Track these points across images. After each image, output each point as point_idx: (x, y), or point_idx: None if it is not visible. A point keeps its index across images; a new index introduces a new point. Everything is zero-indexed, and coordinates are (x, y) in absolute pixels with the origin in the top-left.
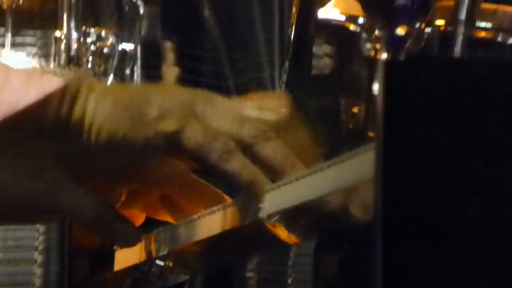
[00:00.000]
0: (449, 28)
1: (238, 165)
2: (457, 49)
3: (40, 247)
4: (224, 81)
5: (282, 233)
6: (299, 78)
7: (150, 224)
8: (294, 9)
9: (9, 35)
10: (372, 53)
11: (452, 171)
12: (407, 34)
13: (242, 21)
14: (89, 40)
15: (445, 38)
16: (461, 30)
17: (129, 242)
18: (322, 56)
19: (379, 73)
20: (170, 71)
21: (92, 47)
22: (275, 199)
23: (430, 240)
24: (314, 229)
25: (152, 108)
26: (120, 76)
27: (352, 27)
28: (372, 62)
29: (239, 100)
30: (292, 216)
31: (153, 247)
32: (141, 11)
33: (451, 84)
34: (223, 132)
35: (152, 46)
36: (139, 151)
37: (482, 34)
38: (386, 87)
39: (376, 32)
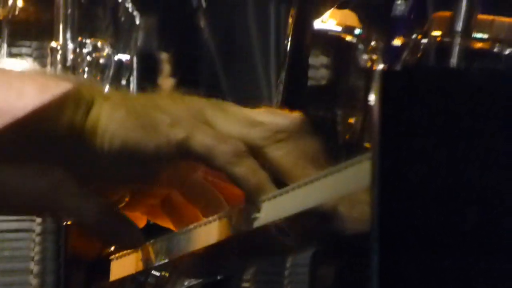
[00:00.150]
0: (446, 39)
1: (246, 169)
2: (454, 60)
3: (36, 257)
4: (220, 93)
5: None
6: (296, 89)
7: (149, 232)
8: (290, 20)
9: (5, 45)
10: (369, 64)
11: (448, 181)
12: (404, 45)
13: (239, 33)
14: (85, 50)
15: (442, 49)
16: (457, 41)
17: (131, 244)
18: (319, 67)
19: (376, 84)
20: (166, 82)
21: (88, 58)
22: (272, 209)
23: (427, 249)
24: (311, 237)
25: (164, 116)
26: (116, 87)
27: (348, 38)
28: (368, 73)
29: (250, 108)
30: (291, 224)
31: (149, 257)
32: (137, 21)
33: (448, 94)
34: (234, 135)
35: (148, 57)
36: (151, 158)
37: (479, 45)
38: (382, 98)
39: (373, 43)
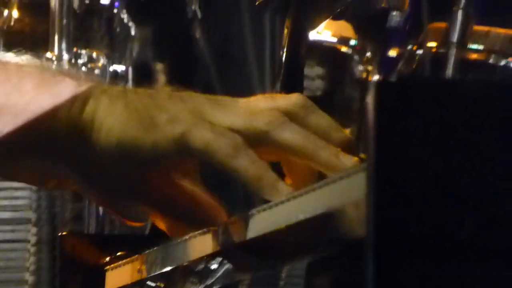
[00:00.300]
0: (441, 50)
1: (245, 161)
2: (449, 71)
3: (31, 268)
4: None
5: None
6: None
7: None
8: (285, 31)
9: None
10: (364, 75)
11: (443, 191)
12: (399, 56)
13: (234, 43)
14: (80, 61)
15: (437, 59)
16: (453, 52)
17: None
18: (314, 77)
19: (371, 95)
20: None
21: (83, 68)
22: (266, 220)
23: (423, 260)
24: (307, 248)
25: (161, 112)
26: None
27: (344, 49)
28: (364, 84)
29: (250, 99)
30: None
31: (144, 267)
32: (133, 32)
33: (443, 105)
34: (235, 128)
35: (143, 67)
36: (148, 154)
37: (474, 56)
38: (378, 109)
39: (368, 54)
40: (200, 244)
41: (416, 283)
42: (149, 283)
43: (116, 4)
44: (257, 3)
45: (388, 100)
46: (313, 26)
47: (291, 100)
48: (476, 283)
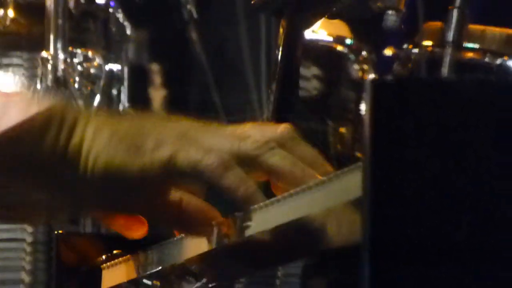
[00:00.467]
0: (437, 49)
1: (233, 179)
2: (445, 70)
3: (28, 267)
4: (212, 103)
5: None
6: (287, 99)
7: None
8: (281, 31)
9: None
10: (360, 74)
11: (439, 190)
12: (395, 55)
13: (230, 44)
14: (76, 60)
15: (433, 59)
16: (448, 51)
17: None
18: (310, 77)
19: (367, 94)
20: (157, 93)
21: (79, 68)
22: (262, 218)
23: (418, 259)
24: (304, 248)
25: (148, 138)
26: (107, 97)
27: (339, 48)
28: (359, 83)
29: (238, 125)
30: (282, 234)
31: (140, 266)
32: (128, 32)
33: (439, 104)
34: (223, 150)
35: (139, 68)
36: (136, 180)
37: (470, 55)
38: (373, 107)
39: (364, 53)
40: (196, 243)
41: (411, 282)
42: (145, 281)
43: (112, 3)
44: (252, 2)
45: (384, 99)
46: (309, 26)
47: (280, 129)
48: (472, 283)
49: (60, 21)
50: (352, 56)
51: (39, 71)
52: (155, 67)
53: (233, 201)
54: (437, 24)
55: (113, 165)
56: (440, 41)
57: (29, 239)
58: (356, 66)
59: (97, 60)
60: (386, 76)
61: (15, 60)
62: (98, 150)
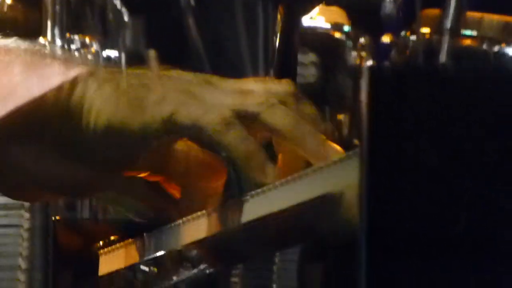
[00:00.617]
0: (435, 36)
1: (234, 137)
2: (442, 57)
3: (24, 254)
4: None
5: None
6: None
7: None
8: (278, 17)
9: None
10: (358, 61)
11: (436, 176)
12: (392, 42)
13: (227, 30)
14: (73, 47)
15: (430, 46)
16: (446, 38)
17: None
18: (307, 64)
19: (364, 80)
20: None
21: (76, 54)
22: (260, 204)
23: (415, 246)
24: (301, 233)
25: (150, 93)
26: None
27: (337, 35)
28: (357, 70)
29: (241, 80)
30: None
31: (137, 252)
32: (126, 18)
33: (436, 91)
34: (225, 106)
35: (136, 55)
36: (137, 136)
37: (468, 42)
38: (371, 94)
39: (362, 40)
40: (193, 229)
41: (409, 269)
42: (142, 267)
43: None
44: None
45: (381, 86)
46: (306, 12)
47: (282, 85)
48: (469, 275)
49: (57, 8)
50: (350, 43)
51: None
52: (152, 54)
53: (233, 159)
54: (435, 11)
55: (115, 121)
56: (438, 28)
57: (26, 225)
58: (354, 53)
59: (94, 47)
60: (383, 63)
61: None
62: (101, 104)
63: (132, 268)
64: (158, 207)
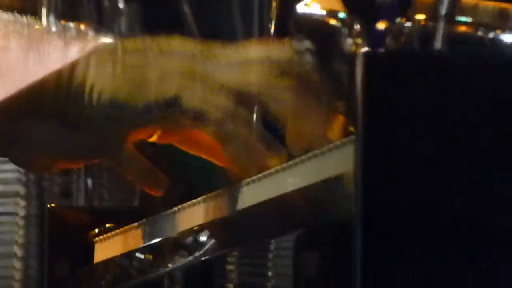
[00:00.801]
0: (430, 23)
1: (235, 128)
2: (437, 44)
3: (20, 241)
4: None
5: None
6: None
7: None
8: (274, 4)
9: None
10: (353, 48)
11: (432, 162)
12: (388, 28)
13: (222, 18)
14: (68, 34)
15: (426, 32)
16: (441, 24)
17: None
18: (303, 51)
19: (359, 67)
20: None
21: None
22: (256, 191)
23: (411, 234)
24: (296, 221)
25: (152, 72)
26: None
27: (332, 22)
28: (352, 56)
29: (243, 46)
30: (275, 207)
31: (133, 239)
32: (121, 5)
33: (431, 77)
34: (227, 85)
35: None
36: (140, 115)
37: (463, 28)
38: (366, 81)
39: (357, 27)
40: (189, 216)
41: (404, 257)
42: (137, 255)
43: None
44: None
45: (377, 73)
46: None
47: (283, 50)
48: (465, 260)
49: None
50: (345, 30)
51: None
52: None
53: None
54: None
55: (118, 100)
56: (433, 15)
57: (22, 212)
58: (349, 40)
59: (90, 34)
60: (378, 49)
61: None
62: (103, 83)
63: (128, 256)
64: (151, 187)
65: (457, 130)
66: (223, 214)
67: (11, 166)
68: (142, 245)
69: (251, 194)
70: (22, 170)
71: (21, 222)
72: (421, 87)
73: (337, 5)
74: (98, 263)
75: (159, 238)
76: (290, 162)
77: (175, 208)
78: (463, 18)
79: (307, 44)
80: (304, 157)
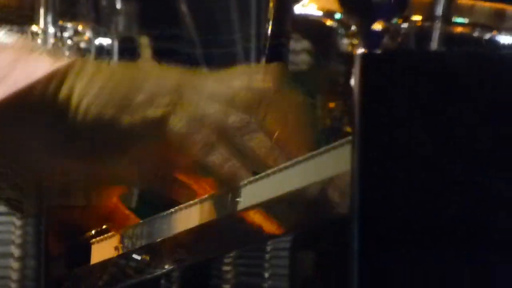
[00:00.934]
0: (426, 23)
1: (219, 158)
2: (434, 45)
3: (17, 241)
4: None
5: (264, 224)
6: None
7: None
8: (271, 4)
9: None
10: (349, 48)
11: (428, 163)
12: (384, 29)
13: (219, 17)
14: (66, 34)
15: (422, 33)
16: (438, 25)
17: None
18: (299, 51)
19: (356, 67)
20: None
21: (69, 42)
22: (253, 192)
23: (408, 235)
24: (293, 221)
25: (139, 94)
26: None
27: (329, 22)
28: (349, 57)
29: (227, 76)
30: (272, 208)
31: (130, 240)
32: (118, 6)
33: (427, 78)
34: (209, 119)
35: (128, 41)
36: (125, 134)
37: (459, 29)
38: (362, 81)
39: (353, 28)
40: (186, 217)
41: (401, 257)
42: (134, 256)
43: None
44: None
45: (373, 73)
46: (299, 0)
47: (265, 82)
48: (462, 260)
49: None
50: (341, 30)
51: None
52: (144, 40)
53: (217, 179)
54: None
55: (104, 118)
56: (430, 15)
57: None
58: (345, 40)
59: (87, 34)
60: (375, 50)
61: None
62: (89, 101)
63: (125, 257)
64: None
65: (453, 130)
66: (221, 215)
67: None
68: (139, 246)
69: (248, 196)
70: None
71: (18, 222)
72: (417, 87)
73: (334, 6)
74: (95, 264)
75: (156, 239)
76: (287, 164)
77: (172, 209)
78: (459, 19)
79: (304, 44)
80: (301, 159)
